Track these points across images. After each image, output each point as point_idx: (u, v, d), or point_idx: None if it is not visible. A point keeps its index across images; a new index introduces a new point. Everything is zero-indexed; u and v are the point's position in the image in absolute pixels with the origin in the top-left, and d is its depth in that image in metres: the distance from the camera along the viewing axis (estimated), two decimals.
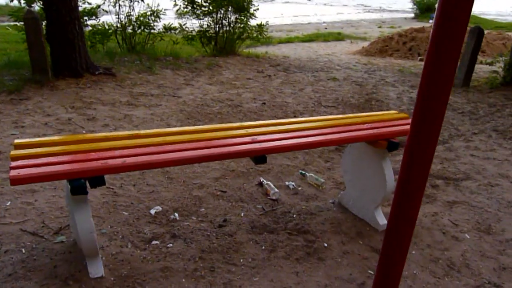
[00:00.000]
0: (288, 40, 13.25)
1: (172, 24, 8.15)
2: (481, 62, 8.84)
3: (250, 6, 8.42)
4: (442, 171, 3.81)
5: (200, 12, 8.29)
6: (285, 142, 2.30)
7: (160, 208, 2.87)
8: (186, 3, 8.16)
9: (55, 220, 2.62)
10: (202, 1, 8.14)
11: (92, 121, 4.20)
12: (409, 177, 1.11)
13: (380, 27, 20.56)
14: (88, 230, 2.00)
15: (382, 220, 2.77)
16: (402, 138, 2.72)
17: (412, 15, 26.46)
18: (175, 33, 8.36)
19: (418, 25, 22.20)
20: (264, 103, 5.27)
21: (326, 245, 2.57)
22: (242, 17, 8.54)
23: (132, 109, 4.62)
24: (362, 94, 6.20)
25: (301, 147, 2.33)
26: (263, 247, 2.51)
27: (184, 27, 8.28)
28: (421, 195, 1.57)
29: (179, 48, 8.09)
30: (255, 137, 2.34)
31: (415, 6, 26.49)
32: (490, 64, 7.44)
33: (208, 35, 8.40)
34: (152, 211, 2.83)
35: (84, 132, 3.94)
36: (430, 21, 24.23)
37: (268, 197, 3.15)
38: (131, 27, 7.71)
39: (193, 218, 2.80)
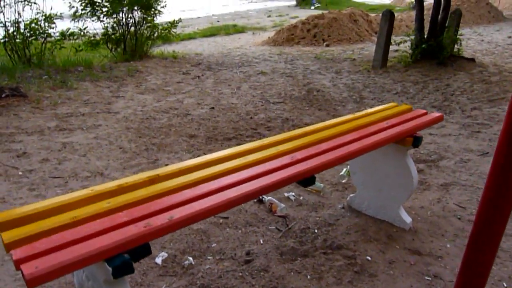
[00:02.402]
0: (190, 37, 12.74)
1: (70, 29, 7.14)
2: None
3: (158, 2, 7.77)
4: (416, 155, 3.86)
5: (101, 13, 7.41)
6: (329, 156, 2.01)
7: (166, 254, 2.37)
8: (84, 4, 7.20)
9: None
10: (104, 1, 7.27)
11: (24, 157, 3.38)
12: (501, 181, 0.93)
13: (269, 16, 20.99)
14: None
15: (408, 218, 2.65)
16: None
17: (295, 2, 27.55)
18: (73, 38, 7.36)
19: (301, 12, 23.27)
20: (213, 108, 4.85)
21: (369, 258, 2.35)
22: (149, 16, 7.85)
23: (68, 135, 3.86)
24: (300, 85, 6.11)
25: (345, 159, 2.06)
26: (308, 276, 2.20)
27: (85, 31, 7.32)
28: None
29: (83, 55, 7.15)
30: (293, 155, 2.01)
31: None
32: (399, 44, 7.95)
33: (114, 38, 7.56)
34: (158, 260, 2.32)
35: (20, 173, 3.15)
36: (312, 7, 25.54)
37: (276, 214, 2.83)
38: (20, 36, 6.56)
39: (209, 258, 2.36)
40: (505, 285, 2.18)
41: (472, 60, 7.81)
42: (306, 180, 1.93)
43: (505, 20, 16.69)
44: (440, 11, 7.55)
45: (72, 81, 5.47)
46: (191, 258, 2.33)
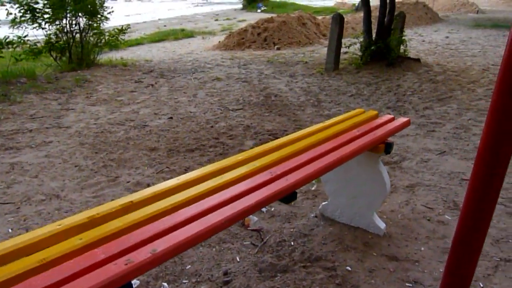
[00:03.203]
0: (138, 42, 12.34)
1: (8, 37, 6.64)
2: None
3: (103, 9, 7.43)
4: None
5: (42, 20, 6.97)
6: (309, 169, 1.95)
7: (138, 282, 2.21)
8: (23, 10, 6.73)
9: None
10: (45, 7, 6.83)
11: None
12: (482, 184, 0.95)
13: (216, 20, 20.85)
14: None
15: (382, 224, 2.66)
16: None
17: (241, 6, 27.61)
18: (13, 47, 6.85)
19: (248, 15, 23.37)
20: (171, 118, 4.68)
21: (349, 268, 2.32)
22: (95, 22, 7.49)
23: (16, 155, 3.55)
24: (257, 91, 6.06)
25: (324, 170, 2.01)
26: None
27: (25, 39, 6.84)
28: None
29: (24, 64, 6.68)
30: (272, 170, 1.93)
31: None
32: (349, 46, 8.13)
33: (58, 46, 7.14)
34: None
35: None
36: (258, 10, 25.74)
37: (249, 228, 2.74)
38: None
39: (185, 281, 2.23)
40: (481, 285, 2.23)
41: (418, 60, 8.15)
42: (288, 196, 1.86)
43: (441, 21, 17.68)
44: (386, 14, 7.81)
45: (14, 94, 5.07)
46: (165, 284, 2.19)
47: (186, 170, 3.47)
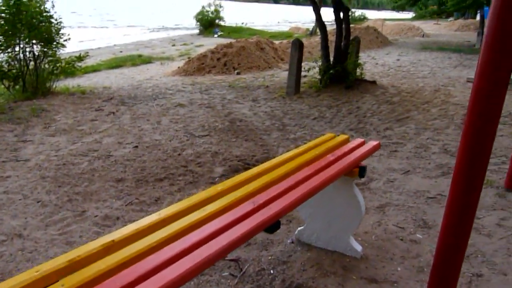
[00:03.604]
0: (94, 69, 12.08)
1: None
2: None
3: (60, 36, 7.23)
4: None
5: None
6: (291, 197, 1.95)
7: None
8: None
9: None
10: None
11: None
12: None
13: (174, 45, 20.86)
14: None
15: (358, 246, 2.69)
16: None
17: (197, 31, 27.81)
18: None
19: (205, 40, 23.56)
20: (137, 146, 4.56)
21: None
22: (50, 50, 7.26)
23: None
24: (221, 116, 6.06)
25: (306, 197, 2.02)
26: None
27: None
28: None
29: None
30: (254, 200, 1.91)
31: (198, 23, 27.93)
32: (308, 70, 8.36)
33: (11, 74, 6.84)
34: None
35: None
36: (215, 35, 26.04)
37: (226, 258, 2.68)
38: None
39: None
40: None
41: (374, 82, 8.50)
42: (272, 226, 1.85)
43: (391, 44, 18.62)
44: (342, 39, 8.13)
45: None
46: None
47: (156, 201, 3.38)
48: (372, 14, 54.04)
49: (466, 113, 1.65)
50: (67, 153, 4.25)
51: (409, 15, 49.46)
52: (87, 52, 8.09)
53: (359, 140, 2.78)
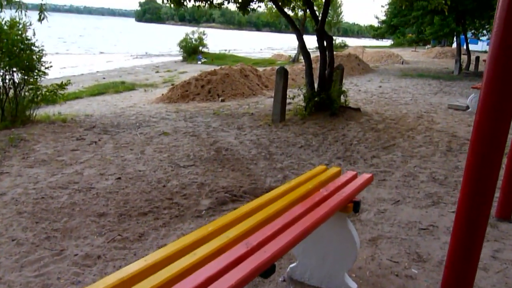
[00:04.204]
0: (76, 96, 11.92)
1: None
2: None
3: (41, 63, 7.10)
4: None
5: None
6: (286, 237, 1.85)
7: None
8: None
9: None
10: None
11: None
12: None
13: (157, 72, 20.86)
14: None
15: (353, 284, 2.58)
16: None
17: (181, 58, 27.95)
18: None
19: (189, 66, 23.67)
20: (119, 178, 4.41)
21: None
22: (31, 77, 7.11)
23: None
24: (207, 145, 5.96)
25: (301, 237, 1.92)
26: None
27: None
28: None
29: None
30: (247, 241, 1.80)
31: (181, 50, 28.11)
32: (293, 98, 8.36)
33: None
34: None
35: None
36: (199, 62, 26.20)
37: None
38: None
39: None
40: None
41: (358, 109, 8.56)
42: (267, 270, 1.73)
43: (372, 71, 19.00)
44: (327, 67, 8.21)
45: None
46: None
47: (140, 237, 3.22)
48: (352, 42, 55.58)
49: (469, 146, 1.59)
50: (46, 186, 4.06)
51: (387, 42, 50.99)
52: (69, 80, 7.94)
53: (351, 173, 2.71)
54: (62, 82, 7.39)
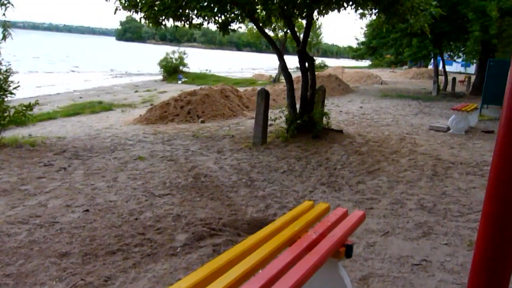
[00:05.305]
0: (50, 117, 11.44)
1: None
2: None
3: (8, 84, 6.71)
4: None
5: None
6: None
7: None
8: None
9: None
10: None
11: None
12: None
13: (136, 91, 20.50)
14: None
15: None
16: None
17: (161, 77, 27.65)
18: None
19: (169, 86, 23.39)
20: (87, 210, 4.04)
21: None
22: None
23: None
24: (184, 171, 5.64)
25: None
26: None
27: None
28: None
29: None
30: None
31: (162, 69, 27.84)
32: (274, 120, 8.16)
33: None
34: None
35: None
36: (179, 81, 25.97)
37: None
38: None
39: None
40: None
41: (341, 131, 8.40)
42: None
43: (352, 91, 19.08)
44: (308, 89, 8.05)
45: None
46: None
47: (106, 281, 2.87)
48: (331, 62, 56.39)
49: (488, 179, 1.35)
50: (4, 221, 3.67)
51: (366, 63, 51.88)
52: (37, 100, 7.53)
53: (341, 210, 2.46)
54: (30, 103, 6.99)
